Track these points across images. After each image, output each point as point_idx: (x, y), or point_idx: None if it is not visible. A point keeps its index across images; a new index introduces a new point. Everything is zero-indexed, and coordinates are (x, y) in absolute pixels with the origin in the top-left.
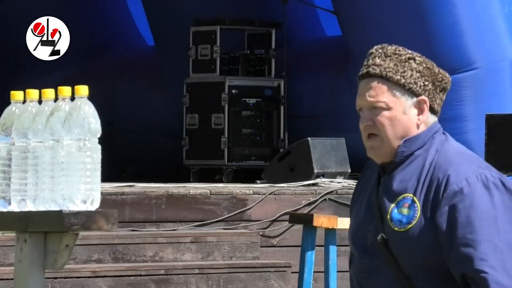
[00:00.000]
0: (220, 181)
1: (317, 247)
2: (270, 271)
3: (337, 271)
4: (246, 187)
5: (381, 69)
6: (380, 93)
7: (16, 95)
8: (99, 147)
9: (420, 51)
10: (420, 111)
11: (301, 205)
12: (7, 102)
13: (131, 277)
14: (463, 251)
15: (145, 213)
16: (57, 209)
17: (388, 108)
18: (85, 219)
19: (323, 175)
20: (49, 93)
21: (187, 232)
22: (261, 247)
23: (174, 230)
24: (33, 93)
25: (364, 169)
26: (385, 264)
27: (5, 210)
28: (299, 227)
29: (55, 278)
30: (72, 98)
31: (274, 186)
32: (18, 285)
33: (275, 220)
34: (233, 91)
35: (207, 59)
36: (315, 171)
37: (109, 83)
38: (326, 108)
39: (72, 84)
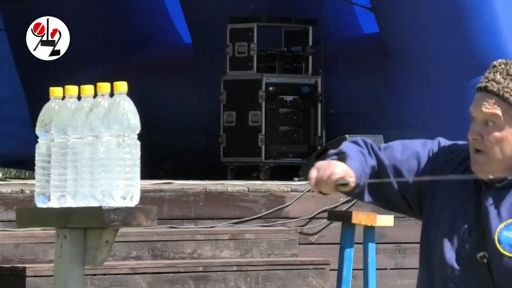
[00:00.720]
0: (258, 178)
1: (356, 245)
2: (309, 269)
3: (376, 269)
4: (284, 184)
5: (500, 87)
6: (494, 112)
7: (55, 91)
8: (138, 143)
9: (458, 49)
10: None
11: (339, 203)
12: (46, 99)
13: (170, 274)
14: None
15: (183, 210)
16: (97, 205)
17: (500, 128)
18: (125, 215)
19: None
20: (88, 89)
21: (225, 229)
22: (299, 244)
23: (212, 227)
24: (72, 89)
25: (449, 151)
26: (480, 282)
27: (45, 206)
28: (337, 225)
29: (94, 275)
30: (111, 94)
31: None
32: (58, 281)
33: (313, 218)
34: (270, 88)
35: (244, 56)
36: None
37: (146, 81)
38: (363, 105)
39: (110, 80)
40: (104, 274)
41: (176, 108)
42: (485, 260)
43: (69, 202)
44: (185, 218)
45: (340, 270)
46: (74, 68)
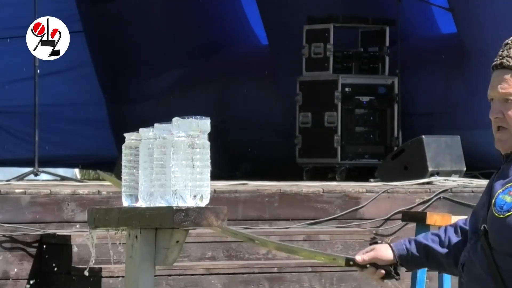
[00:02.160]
0: (333, 179)
1: None
2: None
3: None
4: (359, 185)
5: None
6: (511, 90)
7: None
8: (208, 143)
9: None
10: None
11: (415, 204)
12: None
13: (245, 275)
14: None
15: (258, 211)
16: (168, 205)
17: None
18: (195, 215)
19: (438, 173)
20: None
21: (300, 230)
22: None
23: (287, 228)
24: None
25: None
26: (481, 250)
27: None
28: (412, 226)
29: (169, 275)
30: None
31: (387, 184)
32: (129, 281)
33: (388, 219)
34: (346, 89)
35: (320, 57)
36: (430, 169)
37: (223, 82)
38: (440, 106)
39: (187, 83)
40: (179, 275)
41: (253, 109)
42: (485, 233)
43: (140, 202)
44: (259, 219)
45: (414, 272)
46: (152, 71)
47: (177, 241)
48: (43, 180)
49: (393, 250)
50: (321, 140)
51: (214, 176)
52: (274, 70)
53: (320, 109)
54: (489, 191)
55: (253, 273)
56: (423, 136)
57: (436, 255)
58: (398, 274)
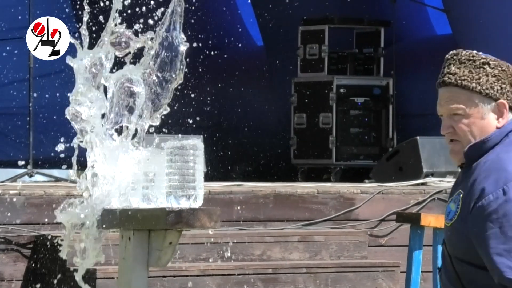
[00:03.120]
0: (328, 180)
1: (426, 247)
2: (379, 271)
3: None
4: (354, 186)
5: (456, 78)
6: (458, 102)
7: None
8: (202, 145)
9: None
10: (500, 114)
11: (410, 205)
12: None
13: (239, 276)
14: (496, 260)
15: (253, 212)
16: (161, 206)
17: (466, 116)
18: (188, 217)
19: (432, 174)
20: None
21: (295, 231)
22: (369, 246)
23: (282, 229)
24: None
25: None
26: (444, 259)
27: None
28: (407, 227)
29: (164, 276)
30: None
31: (382, 185)
32: (122, 282)
33: (383, 220)
34: (341, 90)
35: (315, 58)
36: (424, 170)
37: (218, 84)
38: (435, 107)
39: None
40: (174, 276)
41: (248, 110)
42: (443, 241)
43: (134, 204)
44: (254, 220)
45: (408, 273)
46: None
47: (170, 243)
48: (37, 181)
49: None
50: (316, 141)
51: (209, 177)
52: (269, 71)
53: (315, 110)
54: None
55: (248, 274)
56: (418, 137)
57: None
58: None
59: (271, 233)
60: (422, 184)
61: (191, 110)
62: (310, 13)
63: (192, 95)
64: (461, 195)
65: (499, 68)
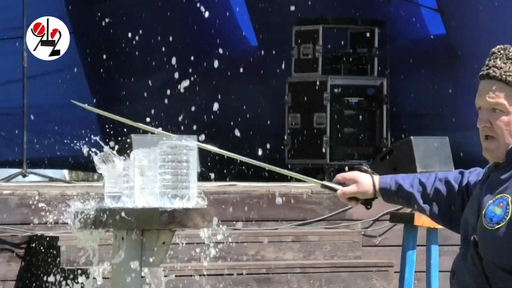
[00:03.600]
0: (322, 180)
1: (419, 247)
2: (372, 271)
3: (439, 271)
4: None
5: (501, 72)
6: (499, 97)
7: None
8: (195, 144)
9: None
10: None
11: None
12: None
13: (233, 276)
14: None
15: (247, 212)
16: (154, 206)
17: (507, 113)
18: (181, 217)
19: None
20: None
21: (289, 231)
22: (363, 246)
23: (276, 229)
24: None
25: (485, 171)
26: (471, 260)
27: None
28: (401, 227)
29: (158, 276)
30: None
31: None
32: (116, 283)
33: (377, 220)
34: (336, 90)
35: (309, 58)
36: (418, 170)
37: (212, 83)
38: (429, 107)
39: (176, 84)
40: (167, 276)
41: (242, 110)
42: (474, 242)
43: (127, 203)
44: (248, 220)
45: (402, 272)
46: (143, 72)
47: (164, 242)
48: (31, 181)
49: (374, 183)
50: (310, 141)
51: (204, 177)
52: (263, 71)
53: (309, 110)
54: (479, 200)
55: (242, 274)
56: (412, 137)
57: (417, 205)
58: (370, 206)
59: (265, 233)
60: None
61: (185, 110)
62: (304, 13)
63: (186, 95)
64: (509, 199)
65: None
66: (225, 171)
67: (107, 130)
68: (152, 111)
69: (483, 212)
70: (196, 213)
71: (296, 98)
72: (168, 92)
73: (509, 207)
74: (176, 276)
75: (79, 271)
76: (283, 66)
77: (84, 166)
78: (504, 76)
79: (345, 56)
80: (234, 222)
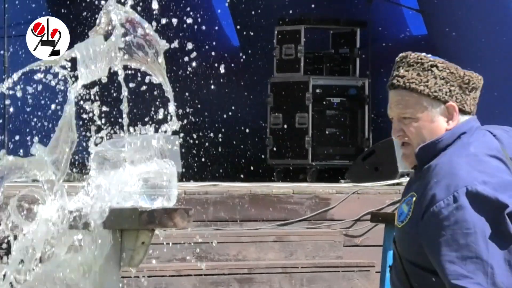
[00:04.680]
0: (304, 180)
1: None
2: (354, 271)
3: None
4: (329, 186)
5: (405, 80)
6: (406, 105)
7: None
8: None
9: (505, 49)
10: (450, 116)
11: (385, 205)
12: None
13: (215, 276)
14: (448, 268)
15: (229, 212)
16: (133, 206)
17: (416, 119)
18: (161, 216)
19: (408, 174)
20: None
21: (270, 231)
22: (344, 246)
23: (257, 229)
24: None
25: None
26: (395, 259)
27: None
28: (383, 227)
29: (139, 277)
30: None
31: (357, 185)
32: (95, 283)
33: (358, 220)
34: (317, 90)
35: (291, 58)
36: (400, 170)
37: (194, 83)
38: None
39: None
40: (149, 276)
41: (224, 110)
42: (394, 240)
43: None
44: (230, 220)
45: (383, 272)
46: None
47: (143, 242)
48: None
49: None
50: (292, 141)
51: (185, 177)
52: (245, 71)
53: (291, 110)
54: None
55: (223, 274)
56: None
57: None
58: None
59: (246, 233)
60: (398, 184)
61: (166, 110)
62: (286, 14)
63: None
64: (414, 198)
65: (448, 71)
66: (206, 171)
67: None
68: (133, 111)
69: (397, 210)
70: (176, 213)
71: (278, 98)
72: (149, 91)
73: (412, 205)
74: (158, 276)
75: None
76: (265, 66)
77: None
78: (408, 84)
79: (327, 57)
80: (215, 222)
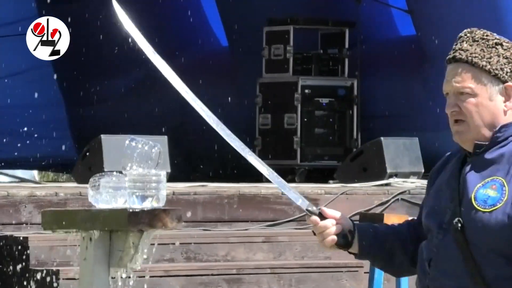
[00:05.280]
0: (293, 181)
1: None
2: (342, 271)
3: None
4: (318, 187)
5: (468, 54)
6: (466, 79)
7: None
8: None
9: None
10: (507, 97)
11: (374, 205)
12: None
13: (203, 277)
14: None
15: (217, 213)
16: (122, 207)
17: (474, 95)
18: (149, 217)
19: (396, 175)
20: None
21: (259, 231)
22: None
23: (246, 229)
24: None
25: (445, 159)
26: (456, 245)
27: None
28: None
29: (128, 277)
30: None
31: (346, 186)
32: (84, 284)
33: None
34: (306, 91)
35: (280, 59)
36: (388, 171)
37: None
38: (399, 108)
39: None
40: (138, 277)
41: (212, 110)
42: (459, 225)
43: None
44: (219, 221)
45: (371, 273)
46: (112, 72)
47: (132, 243)
48: (0, 182)
49: (355, 227)
50: (280, 142)
51: (174, 178)
52: (234, 72)
53: (280, 110)
54: (456, 185)
55: (212, 274)
56: (382, 138)
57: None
58: (350, 246)
59: (235, 233)
60: (386, 184)
61: (155, 110)
62: (275, 14)
63: (156, 95)
64: (501, 181)
65: None
66: (194, 172)
67: (78, 131)
68: (122, 111)
69: (472, 195)
70: (165, 213)
71: (267, 99)
72: (137, 92)
73: (505, 188)
74: (145, 276)
75: (48, 272)
76: (254, 67)
77: (54, 166)
78: (470, 58)
79: (316, 57)
80: (204, 223)
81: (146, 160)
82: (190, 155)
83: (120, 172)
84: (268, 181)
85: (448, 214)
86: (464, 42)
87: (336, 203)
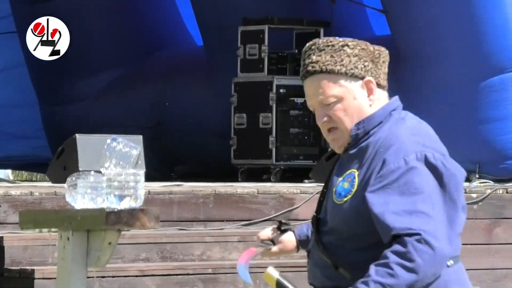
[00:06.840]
0: (268, 180)
1: None
2: None
3: None
4: (294, 186)
5: (320, 64)
6: (327, 89)
7: None
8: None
9: (470, 51)
10: (370, 91)
11: None
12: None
13: (179, 276)
14: (391, 218)
15: (193, 212)
16: (100, 207)
17: (339, 100)
18: (127, 217)
19: None
20: None
21: (235, 231)
22: None
23: (222, 229)
24: None
25: None
26: (315, 243)
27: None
28: None
29: (103, 277)
30: None
31: (321, 185)
32: (61, 283)
33: None
34: (281, 90)
35: (255, 58)
36: None
37: (158, 83)
38: None
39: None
40: (113, 276)
41: (188, 110)
42: (315, 219)
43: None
44: (194, 220)
45: None
46: (87, 72)
47: (110, 243)
48: None
49: (295, 236)
50: (256, 141)
51: (149, 177)
52: (209, 71)
53: (255, 110)
54: (326, 185)
55: (188, 274)
56: None
57: None
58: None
59: (211, 233)
60: None
61: (131, 110)
62: (250, 13)
63: (132, 95)
64: (355, 173)
65: (359, 47)
66: (170, 171)
67: (53, 131)
68: (97, 111)
69: (334, 190)
70: (142, 213)
71: (242, 98)
72: (113, 92)
73: (355, 180)
74: (121, 276)
75: (23, 271)
76: (229, 66)
77: (28, 166)
78: (324, 67)
79: (291, 57)
80: (179, 222)
81: (124, 160)
82: (166, 154)
83: (97, 172)
84: (245, 180)
85: (320, 209)
86: (312, 55)
87: (312, 203)
